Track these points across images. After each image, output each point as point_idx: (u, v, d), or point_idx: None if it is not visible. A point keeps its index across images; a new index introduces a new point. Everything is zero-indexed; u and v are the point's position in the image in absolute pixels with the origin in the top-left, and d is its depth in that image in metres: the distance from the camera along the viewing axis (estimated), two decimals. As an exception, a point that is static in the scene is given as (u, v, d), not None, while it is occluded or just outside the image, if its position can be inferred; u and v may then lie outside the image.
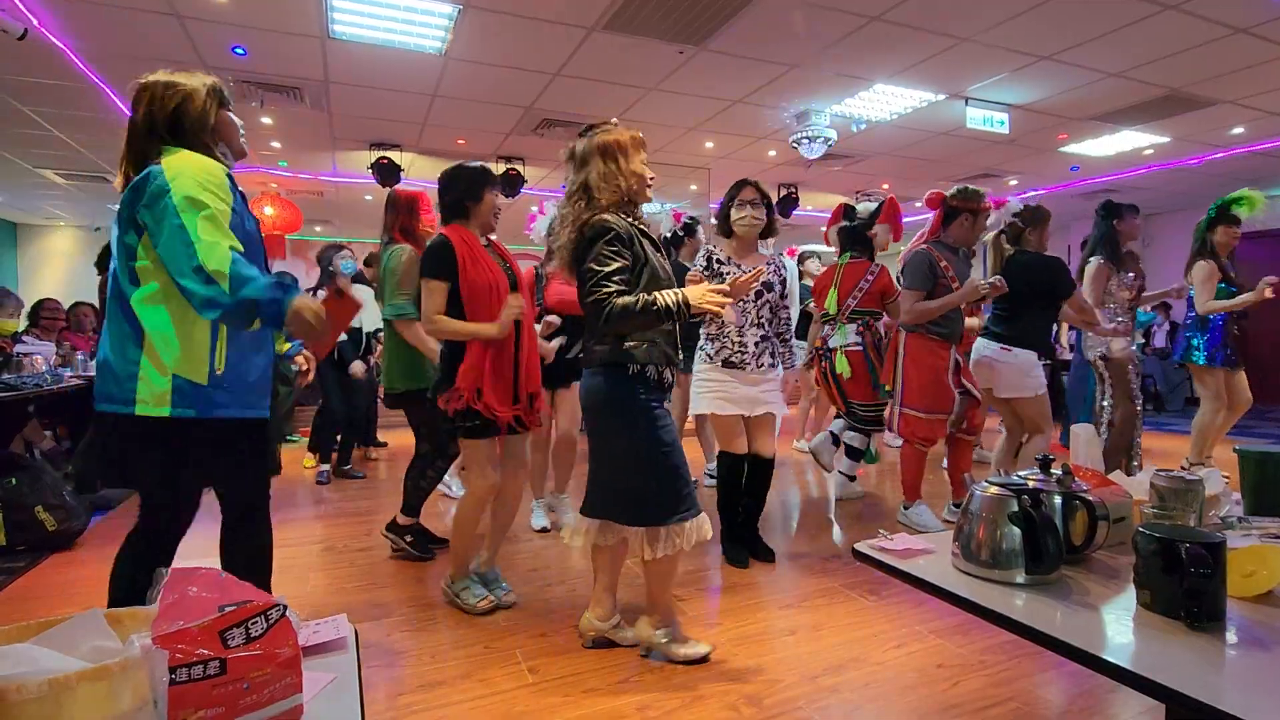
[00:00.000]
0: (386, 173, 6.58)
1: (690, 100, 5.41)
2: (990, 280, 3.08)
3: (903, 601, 2.51)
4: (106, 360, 1.57)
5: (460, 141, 6.55)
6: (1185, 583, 0.90)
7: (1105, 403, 3.93)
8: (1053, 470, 1.20)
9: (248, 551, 1.77)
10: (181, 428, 1.54)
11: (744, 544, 2.96)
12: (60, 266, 11.01)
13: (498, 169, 7.06)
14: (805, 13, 3.95)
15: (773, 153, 6.70)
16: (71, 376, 4.17)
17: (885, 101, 5.41)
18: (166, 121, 1.63)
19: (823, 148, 5.85)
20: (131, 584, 1.65)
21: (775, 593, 2.66)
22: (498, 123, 5.95)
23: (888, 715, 1.83)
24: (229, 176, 1.63)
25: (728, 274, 2.69)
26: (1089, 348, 3.97)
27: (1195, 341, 4.28)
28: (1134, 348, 3.99)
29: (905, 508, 3.44)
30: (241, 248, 1.53)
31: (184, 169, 1.54)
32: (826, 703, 1.88)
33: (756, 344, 2.82)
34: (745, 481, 2.92)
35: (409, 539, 3.06)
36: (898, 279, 3.56)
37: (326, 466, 4.66)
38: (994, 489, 1.12)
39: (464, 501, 2.45)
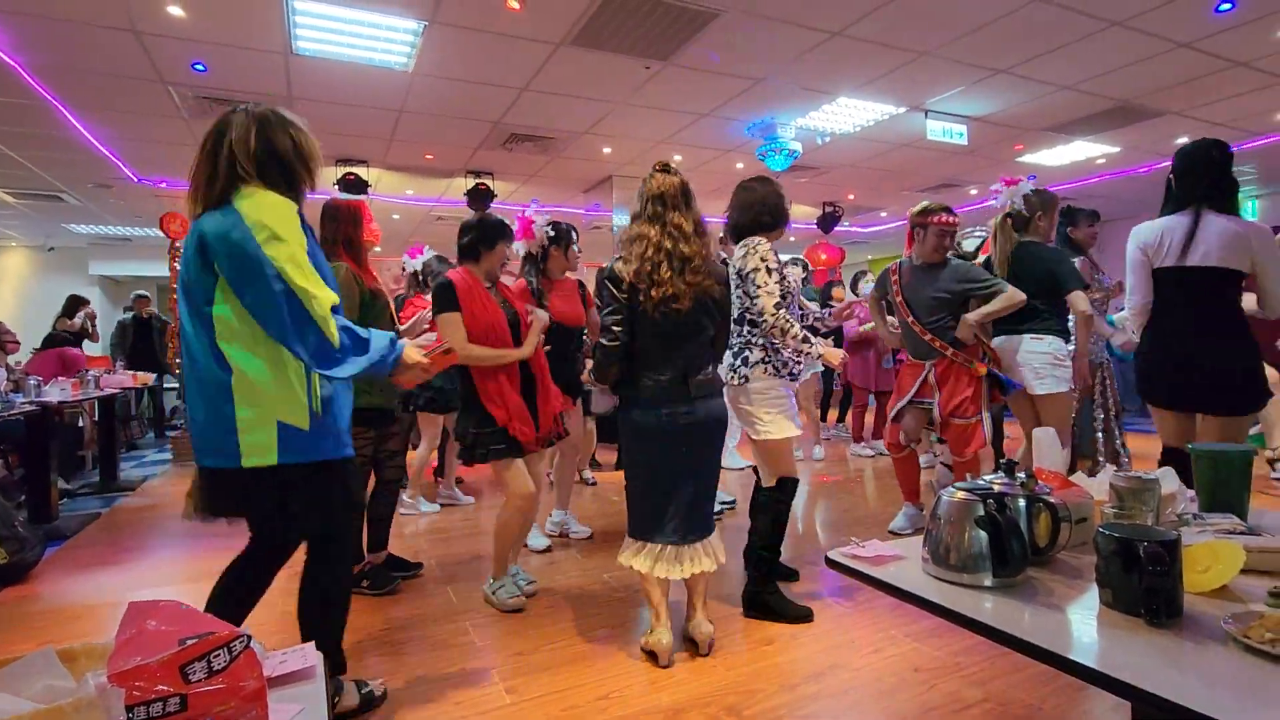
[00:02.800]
0: (353, 188, 6.50)
1: (658, 114, 5.46)
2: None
3: (879, 607, 2.54)
4: (201, 419, 1.56)
5: (428, 156, 6.52)
6: (1144, 580, 0.93)
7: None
8: (1017, 474, 1.23)
9: (324, 582, 1.78)
10: (288, 471, 1.57)
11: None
12: (11, 287, 10.65)
13: (466, 183, 7.04)
14: (769, 28, 4.03)
15: (740, 165, 6.78)
16: (24, 403, 4.02)
17: (848, 114, 5.53)
18: (253, 155, 1.56)
19: (788, 160, 5.95)
20: (235, 599, 1.72)
21: (752, 602, 2.67)
22: (466, 137, 5.93)
23: (865, 721, 1.85)
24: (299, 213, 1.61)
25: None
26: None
27: None
28: (1103, 352, 4.02)
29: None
30: (336, 297, 1.55)
31: (265, 214, 1.50)
32: (807, 711, 1.89)
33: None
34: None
35: (366, 583, 2.87)
36: None
37: None
38: (960, 494, 1.14)
39: (505, 511, 2.60)
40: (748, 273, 2.47)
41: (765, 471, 2.57)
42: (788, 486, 2.54)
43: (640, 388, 2.13)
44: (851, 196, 8.50)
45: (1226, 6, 3.77)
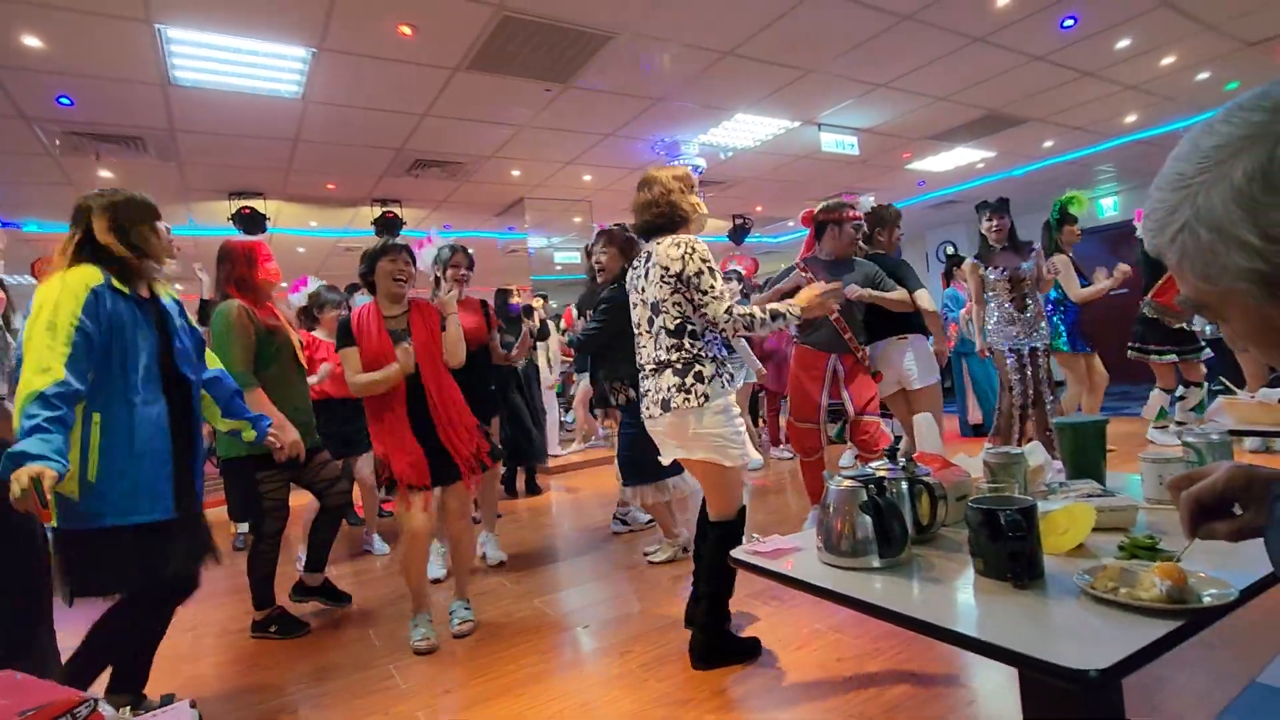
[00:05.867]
0: (250, 223, 6.20)
1: (564, 136, 5.51)
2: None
3: (800, 603, 2.60)
4: None
5: (330, 186, 6.32)
6: (1007, 546, 1.00)
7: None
8: (899, 458, 1.30)
9: (113, 625, 1.90)
10: (71, 535, 1.72)
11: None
12: None
13: (373, 212, 6.85)
14: (663, 49, 4.15)
15: (650, 182, 6.92)
16: None
17: (748, 129, 5.75)
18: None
19: (695, 175, 6.11)
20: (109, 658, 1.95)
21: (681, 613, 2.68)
22: (369, 165, 5.79)
23: (796, 715, 1.89)
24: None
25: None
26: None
27: (1060, 329, 4.72)
28: (1015, 339, 4.13)
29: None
30: (47, 381, 1.62)
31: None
32: (734, 714, 1.91)
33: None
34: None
35: (274, 629, 2.80)
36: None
37: (244, 530, 4.31)
38: (846, 482, 1.20)
39: (400, 545, 2.61)
40: (689, 276, 2.11)
41: (721, 500, 2.21)
42: (743, 516, 2.24)
43: None
44: (759, 208, 8.81)
45: (1070, 22, 4.18)
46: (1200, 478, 0.78)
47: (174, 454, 1.88)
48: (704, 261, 2.12)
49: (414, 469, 2.47)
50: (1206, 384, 4.48)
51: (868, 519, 1.14)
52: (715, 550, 2.17)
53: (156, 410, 1.85)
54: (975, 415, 6.07)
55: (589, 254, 3.92)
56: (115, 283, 1.84)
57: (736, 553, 1.27)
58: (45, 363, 1.61)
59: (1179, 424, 4.46)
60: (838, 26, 4.07)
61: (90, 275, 1.78)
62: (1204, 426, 1.48)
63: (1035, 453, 1.48)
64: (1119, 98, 5.68)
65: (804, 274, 3.38)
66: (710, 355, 2.16)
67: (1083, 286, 4.54)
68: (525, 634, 2.60)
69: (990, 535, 1.03)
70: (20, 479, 1.47)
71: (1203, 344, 4.50)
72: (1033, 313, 4.04)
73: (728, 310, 2.09)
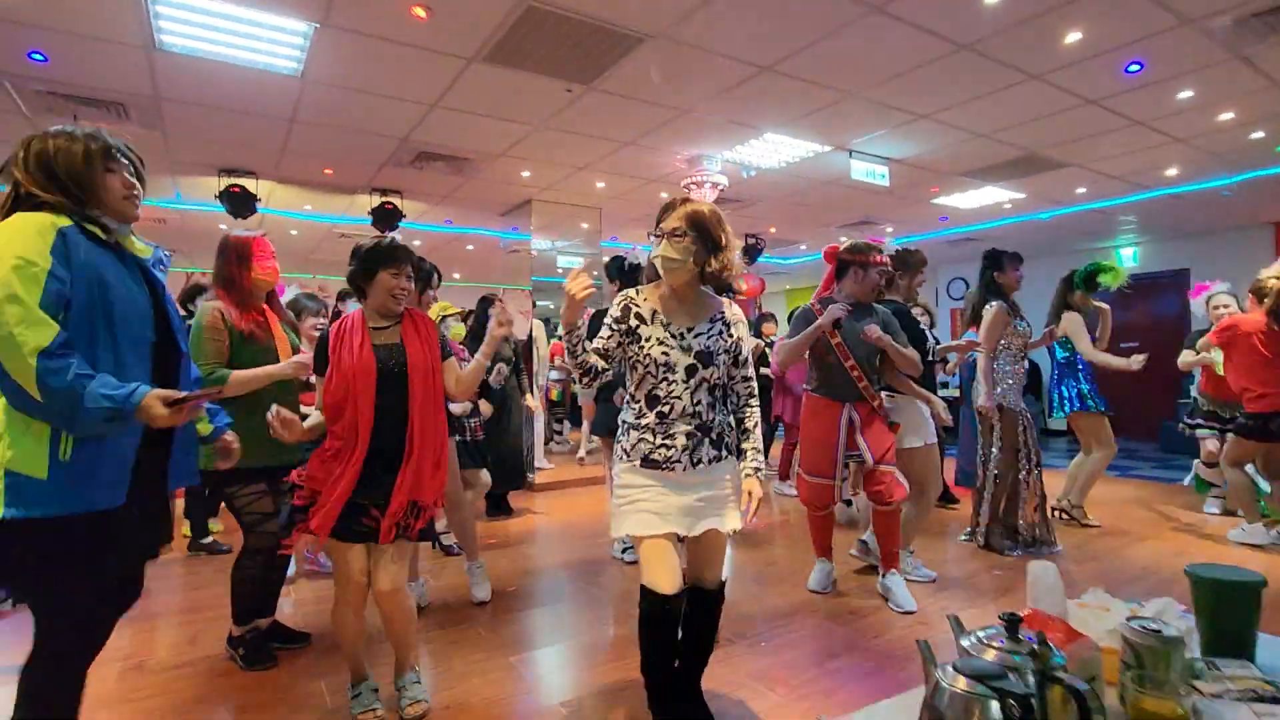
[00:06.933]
0: (239, 202, 5.82)
1: (579, 140, 5.17)
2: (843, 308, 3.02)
3: (809, 688, 2.27)
4: None
5: (327, 171, 5.95)
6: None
7: (993, 450, 3.96)
8: (1022, 634, 0.97)
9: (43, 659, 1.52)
10: (17, 526, 1.39)
11: (681, 703, 2.04)
12: None
13: (371, 201, 6.49)
14: (698, 58, 3.83)
15: (665, 194, 6.59)
16: None
17: (775, 150, 5.44)
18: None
19: (714, 192, 5.80)
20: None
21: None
22: (369, 153, 5.43)
23: None
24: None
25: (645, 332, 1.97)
26: (976, 394, 4.00)
27: (1072, 392, 4.45)
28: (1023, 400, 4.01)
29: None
30: (48, 337, 1.34)
31: None
32: None
33: (688, 436, 1.91)
34: (683, 624, 1.98)
35: (241, 651, 2.56)
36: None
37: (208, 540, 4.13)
38: (963, 683, 0.87)
39: (334, 606, 2.17)
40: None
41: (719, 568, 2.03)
42: (646, 602, 1.90)
43: None
44: (773, 229, 8.51)
45: (1135, 67, 3.89)
46: None
47: (148, 435, 1.55)
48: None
49: (314, 521, 1.99)
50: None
51: (1002, 748, 0.80)
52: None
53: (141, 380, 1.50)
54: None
55: (625, 275, 3.69)
56: (88, 226, 1.50)
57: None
58: (34, 316, 1.32)
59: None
60: (887, 51, 3.76)
61: (51, 216, 1.44)
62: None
63: (1169, 611, 1.16)
64: (1165, 150, 5.41)
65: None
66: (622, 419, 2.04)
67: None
68: (491, 710, 2.24)
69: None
70: (154, 406, 1.40)
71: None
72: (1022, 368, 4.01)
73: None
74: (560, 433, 9.02)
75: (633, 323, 1.95)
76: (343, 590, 2.09)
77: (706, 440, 1.92)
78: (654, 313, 1.95)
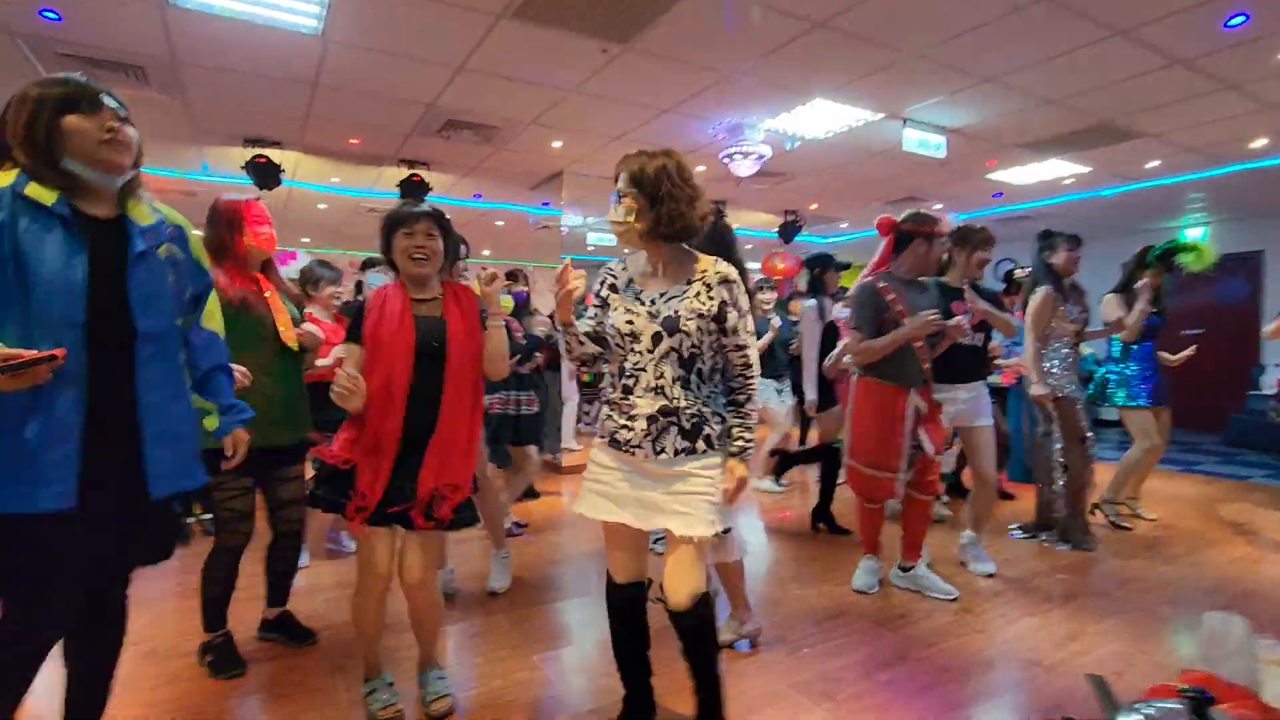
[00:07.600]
0: (264, 173, 5.69)
1: (614, 106, 4.89)
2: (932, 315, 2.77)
3: (858, 703, 2.04)
4: None
5: (353, 141, 5.77)
6: None
7: (1057, 445, 3.68)
8: (1210, 716, 0.72)
9: None
10: None
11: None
12: None
13: (400, 173, 6.31)
14: (744, 12, 3.51)
15: (701, 168, 6.27)
16: None
17: (823, 118, 5.08)
18: None
19: (756, 164, 5.48)
20: None
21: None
22: (396, 121, 5.22)
23: None
24: None
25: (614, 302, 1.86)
26: (1029, 384, 3.72)
27: (1133, 382, 4.14)
28: (1076, 386, 3.74)
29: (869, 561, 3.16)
30: None
31: None
32: None
33: (649, 420, 1.71)
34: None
35: (210, 658, 2.35)
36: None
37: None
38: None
39: (354, 595, 2.05)
40: None
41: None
42: (608, 589, 1.90)
43: None
44: (814, 206, 8.13)
45: (1239, 19, 3.46)
46: None
47: (90, 428, 1.36)
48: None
49: (367, 501, 1.88)
50: None
51: None
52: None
53: (69, 368, 1.30)
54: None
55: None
56: (30, 191, 1.34)
57: None
58: None
59: None
60: (954, 5, 3.40)
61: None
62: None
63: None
64: (1254, 117, 4.92)
65: (888, 295, 2.87)
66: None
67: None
68: (515, 711, 2.07)
69: None
70: None
71: None
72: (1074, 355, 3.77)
73: None
74: (590, 414, 8.85)
75: (605, 293, 1.85)
76: (365, 578, 1.98)
77: (674, 428, 1.71)
78: (629, 281, 1.82)
